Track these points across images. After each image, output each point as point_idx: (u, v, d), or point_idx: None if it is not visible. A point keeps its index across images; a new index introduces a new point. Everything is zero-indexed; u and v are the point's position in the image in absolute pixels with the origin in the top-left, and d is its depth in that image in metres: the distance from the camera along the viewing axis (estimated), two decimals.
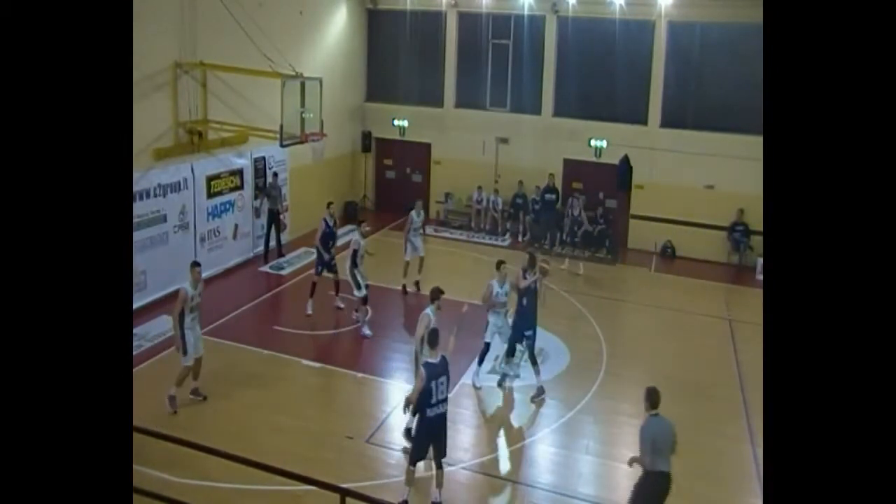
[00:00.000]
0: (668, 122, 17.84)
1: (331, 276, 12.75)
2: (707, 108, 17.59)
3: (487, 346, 10.49)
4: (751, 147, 15.86)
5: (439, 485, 7.67)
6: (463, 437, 9.29)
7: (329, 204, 13.25)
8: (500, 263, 10.63)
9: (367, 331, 12.01)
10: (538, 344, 10.58)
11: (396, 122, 19.64)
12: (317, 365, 10.92)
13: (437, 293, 8.97)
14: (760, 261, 16.13)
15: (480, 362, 10.54)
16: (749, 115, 15.78)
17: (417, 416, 7.68)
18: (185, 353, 9.26)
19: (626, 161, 17.24)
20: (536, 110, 18.85)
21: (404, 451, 8.59)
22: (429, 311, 8.82)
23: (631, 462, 6.83)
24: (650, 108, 17.85)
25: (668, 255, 17.70)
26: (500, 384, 10.48)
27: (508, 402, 10.34)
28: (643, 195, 17.94)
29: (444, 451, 7.66)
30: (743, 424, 9.81)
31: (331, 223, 12.83)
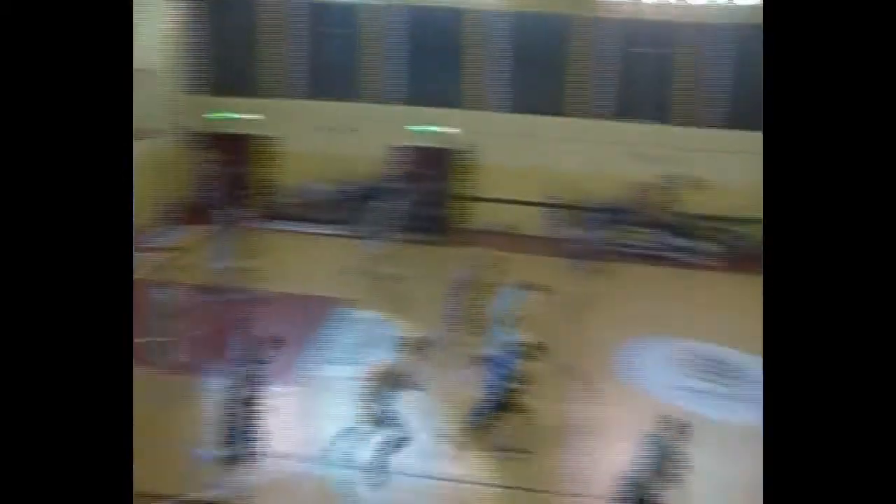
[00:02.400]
0: (507, 106, 18.80)
1: None
2: (533, 92, 18.75)
3: None
4: (580, 129, 17.33)
5: None
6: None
7: None
8: (525, 285, 10.63)
9: None
10: None
11: (226, 114, 18.95)
12: None
13: None
14: (579, 233, 17.58)
15: None
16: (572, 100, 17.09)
17: None
18: None
19: (462, 146, 17.94)
20: (380, 98, 19.07)
21: None
22: None
23: None
24: (484, 92, 18.72)
25: (507, 234, 18.23)
26: None
27: None
28: (480, 177, 18.76)
29: None
30: None
31: None
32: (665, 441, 6.86)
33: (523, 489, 8.47)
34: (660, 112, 19.17)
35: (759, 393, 10.10)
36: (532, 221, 18.42)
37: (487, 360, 9.24)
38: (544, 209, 18.47)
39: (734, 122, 18.72)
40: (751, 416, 9.82)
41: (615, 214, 18.14)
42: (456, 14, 18.79)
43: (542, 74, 18.97)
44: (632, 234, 18.09)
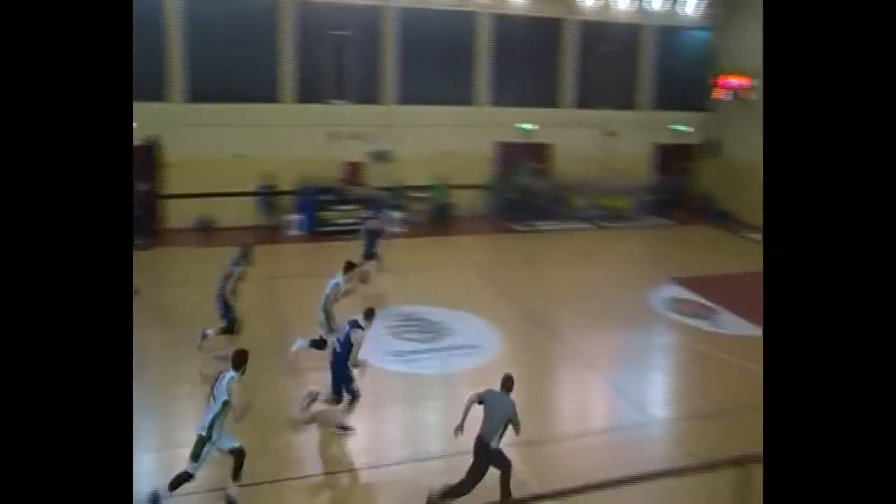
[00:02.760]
0: (195, 96, 18.12)
1: None
2: (233, 80, 18.39)
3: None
4: (276, 115, 17.74)
5: None
6: None
7: None
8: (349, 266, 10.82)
9: None
10: None
11: None
12: None
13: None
14: (289, 217, 17.98)
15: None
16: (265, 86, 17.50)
17: None
18: None
19: (151, 140, 17.11)
20: None
21: None
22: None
23: None
24: (171, 83, 17.96)
25: (205, 228, 18.04)
26: None
27: None
28: (176, 173, 17.97)
29: None
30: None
31: None
32: (498, 397, 7.39)
33: (350, 469, 8.64)
34: (348, 92, 19.89)
35: (461, 341, 11.62)
36: (242, 211, 18.20)
37: (328, 345, 9.51)
38: (255, 198, 18.43)
39: (411, 98, 20.25)
40: (460, 364, 11.01)
41: (323, 195, 18.78)
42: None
43: (247, 60, 18.65)
44: (343, 212, 18.82)
